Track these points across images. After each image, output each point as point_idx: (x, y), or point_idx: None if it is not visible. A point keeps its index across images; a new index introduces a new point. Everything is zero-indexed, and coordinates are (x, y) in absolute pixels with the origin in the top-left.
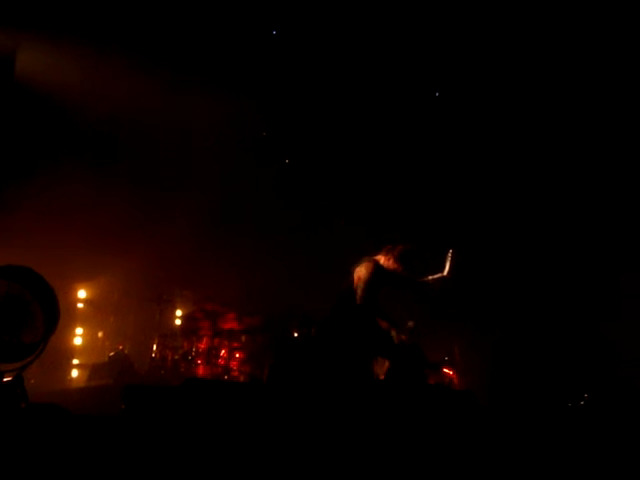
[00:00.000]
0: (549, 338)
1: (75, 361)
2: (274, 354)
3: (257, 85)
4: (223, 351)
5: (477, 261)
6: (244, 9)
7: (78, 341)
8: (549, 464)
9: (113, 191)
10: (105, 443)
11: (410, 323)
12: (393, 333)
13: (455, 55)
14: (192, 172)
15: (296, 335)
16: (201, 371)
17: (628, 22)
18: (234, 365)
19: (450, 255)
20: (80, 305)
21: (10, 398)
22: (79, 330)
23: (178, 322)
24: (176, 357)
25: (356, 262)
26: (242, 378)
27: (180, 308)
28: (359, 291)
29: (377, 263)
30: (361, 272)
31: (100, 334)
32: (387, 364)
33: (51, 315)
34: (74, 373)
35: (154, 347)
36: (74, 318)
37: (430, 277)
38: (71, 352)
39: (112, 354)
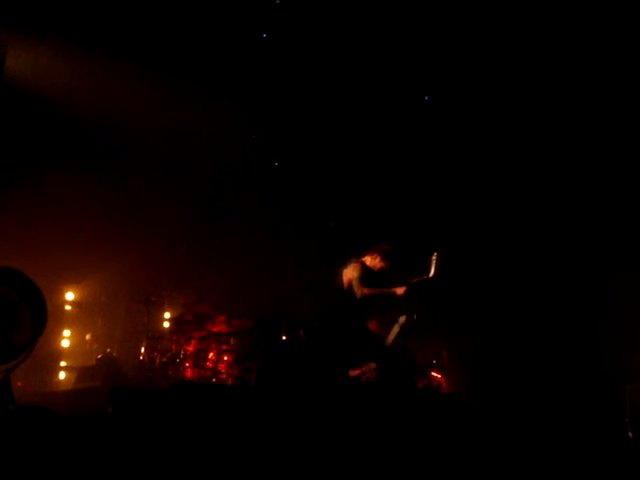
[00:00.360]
0: (534, 340)
1: (63, 363)
2: (262, 357)
3: (247, 87)
4: (211, 354)
5: (464, 264)
6: (235, 12)
7: (66, 343)
8: (537, 466)
9: (101, 193)
10: (92, 446)
11: (402, 318)
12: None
13: (445, 57)
14: (181, 173)
15: (284, 338)
16: (189, 374)
17: (618, 21)
18: (222, 368)
19: (435, 258)
20: (68, 307)
21: None
22: (67, 332)
23: (166, 324)
24: (164, 360)
25: (343, 264)
26: (230, 381)
27: (168, 310)
28: (356, 288)
29: (364, 264)
30: (350, 273)
31: (88, 336)
32: (375, 367)
33: (39, 317)
34: (61, 376)
35: (142, 350)
36: (62, 320)
37: (415, 279)
38: (59, 354)
39: (100, 357)
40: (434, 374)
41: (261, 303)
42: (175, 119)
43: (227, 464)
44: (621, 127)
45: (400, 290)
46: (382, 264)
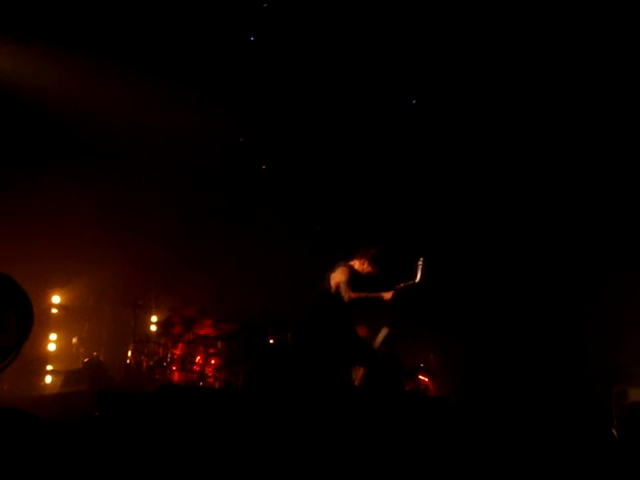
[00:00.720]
0: (522, 343)
1: (49, 367)
2: (250, 360)
3: (235, 90)
4: (198, 357)
5: (451, 266)
6: (224, 15)
7: (52, 347)
8: (525, 468)
9: (88, 196)
10: (76, 450)
11: (388, 323)
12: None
13: (434, 59)
14: (167, 177)
15: (272, 341)
16: (176, 377)
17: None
18: (209, 371)
19: (421, 263)
20: (54, 310)
21: None
22: (53, 336)
23: (153, 328)
24: (151, 363)
25: (331, 268)
26: (217, 384)
27: (155, 314)
28: (343, 292)
29: (352, 268)
30: (338, 277)
31: (74, 340)
32: (363, 370)
33: (25, 320)
34: (48, 379)
35: (129, 353)
36: (48, 324)
37: (402, 284)
38: (45, 358)
39: (87, 360)
40: (421, 377)
41: (248, 306)
42: (162, 122)
43: (214, 468)
44: (619, 123)
45: (387, 295)
46: (370, 268)
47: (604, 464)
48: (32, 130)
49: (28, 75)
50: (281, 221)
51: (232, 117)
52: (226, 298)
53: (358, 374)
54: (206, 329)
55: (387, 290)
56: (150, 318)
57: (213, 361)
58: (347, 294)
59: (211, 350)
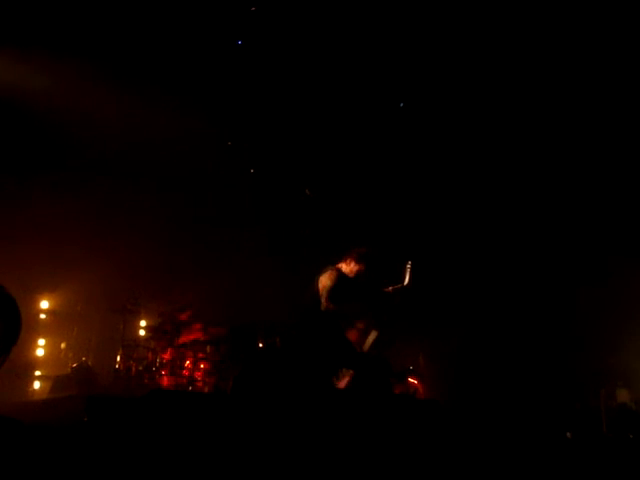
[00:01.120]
0: (512, 344)
1: (37, 373)
2: (239, 365)
3: (222, 95)
4: (188, 362)
5: (439, 268)
6: (210, 19)
7: (40, 352)
8: (515, 469)
9: (76, 201)
10: (65, 456)
11: (377, 326)
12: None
13: (424, 62)
14: (156, 182)
15: (261, 345)
16: (165, 382)
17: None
18: (199, 376)
19: (409, 266)
20: (42, 316)
21: None
22: (41, 341)
23: (142, 333)
24: (140, 368)
25: (319, 271)
26: (207, 389)
27: (144, 318)
28: (323, 299)
29: (340, 271)
30: (324, 281)
31: (63, 345)
32: (352, 374)
33: (12, 326)
34: (36, 385)
35: (118, 358)
36: (36, 329)
37: (391, 287)
38: (33, 364)
39: (75, 365)
40: (411, 380)
41: (237, 311)
42: (149, 128)
43: (204, 472)
44: (618, 119)
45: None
46: (357, 267)
47: (593, 463)
48: (20, 137)
49: (16, 81)
50: (269, 225)
51: (219, 121)
52: (215, 302)
53: (344, 378)
54: (195, 333)
55: (375, 293)
56: (139, 323)
57: (202, 365)
58: (325, 302)
59: (200, 355)
